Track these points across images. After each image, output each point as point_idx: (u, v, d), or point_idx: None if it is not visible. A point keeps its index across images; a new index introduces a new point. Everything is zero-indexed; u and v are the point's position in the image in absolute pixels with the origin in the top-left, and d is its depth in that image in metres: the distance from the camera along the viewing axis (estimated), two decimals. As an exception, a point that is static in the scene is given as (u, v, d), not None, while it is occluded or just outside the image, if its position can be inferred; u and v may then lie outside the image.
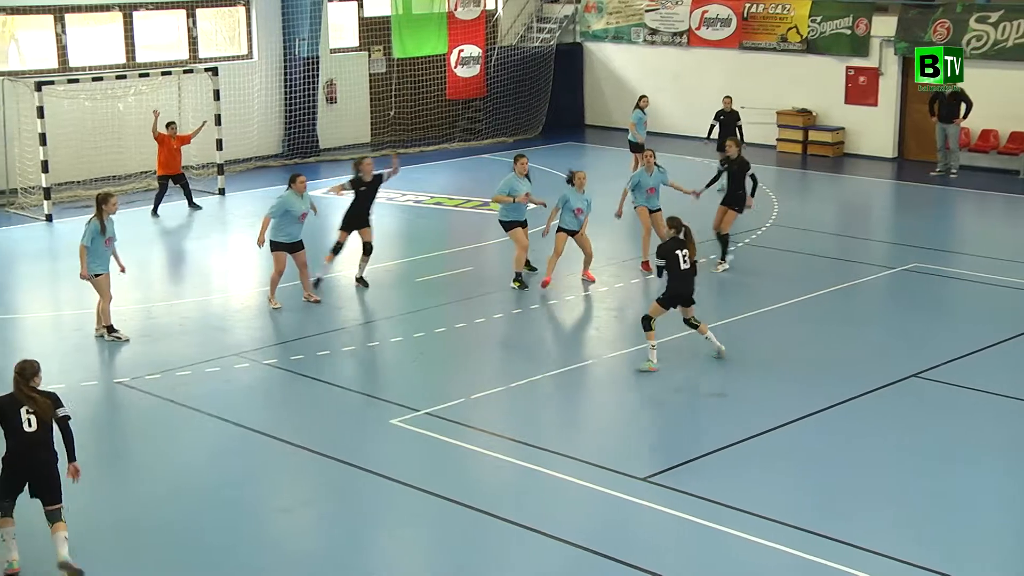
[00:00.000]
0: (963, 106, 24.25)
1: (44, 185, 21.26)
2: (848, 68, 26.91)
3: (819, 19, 27.17)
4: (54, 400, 9.55)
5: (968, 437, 12.03)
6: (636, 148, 23.03)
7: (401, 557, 10.04)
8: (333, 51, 27.62)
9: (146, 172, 24.01)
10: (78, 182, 23.09)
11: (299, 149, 26.82)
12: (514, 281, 16.83)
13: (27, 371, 9.49)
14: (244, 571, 9.56)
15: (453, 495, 10.65)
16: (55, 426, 9.47)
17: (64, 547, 9.37)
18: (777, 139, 27.72)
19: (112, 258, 14.69)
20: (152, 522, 10.34)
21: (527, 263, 17.21)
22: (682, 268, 13.54)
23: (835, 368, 13.85)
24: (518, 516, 10.28)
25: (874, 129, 26.78)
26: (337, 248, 17.26)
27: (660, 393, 13.25)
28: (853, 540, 9.82)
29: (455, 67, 28.95)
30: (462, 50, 28.88)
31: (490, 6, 30.19)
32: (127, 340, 14.63)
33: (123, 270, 14.97)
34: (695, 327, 13.88)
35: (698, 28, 29.00)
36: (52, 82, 21.66)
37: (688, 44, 29.19)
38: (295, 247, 16.00)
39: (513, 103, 29.70)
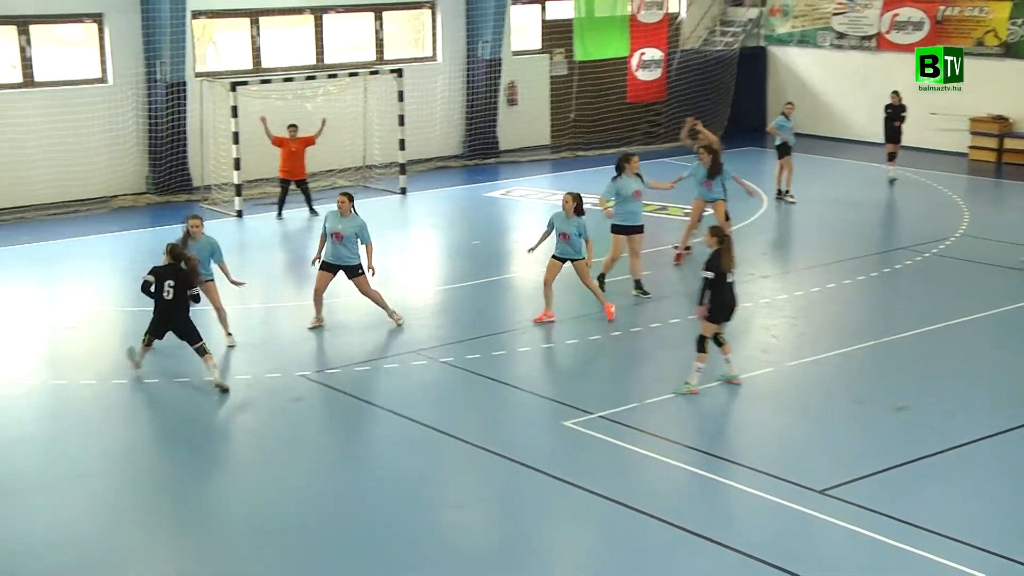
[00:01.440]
0: None
1: (236, 182, 22.03)
2: (1051, 72, 25.78)
3: (1020, 21, 26.08)
4: (190, 276, 13.22)
5: None
6: (780, 152, 22.50)
7: (570, 559, 10.04)
8: (515, 53, 27.85)
9: (331, 171, 24.68)
10: (267, 179, 23.85)
11: (479, 150, 27.13)
12: (635, 289, 16.39)
13: (176, 251, 13.25)
14: (416, 563, 9.69)
15: (624, 499, 10.60)
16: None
17: (214, 372, 13.20)
18: (970, 147, 26.74)
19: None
20: (329, 512, 10.59)
21: (638, 284, 16.47)
22: (727, 280, 12.95)
23: (1027, 385, 13.27)
24: (689, 523, 10.16)
25: (1078, 137, 25.58)
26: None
27: (841, 404, 12.91)
28: (1043, 566, 9.39)
29: (636, 70, 28.85)
30: (643, 53, 28.76)
31: (673, 9, 29.98)
32: (233, 345, 14.68)
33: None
34: (721, 344, 13.22)
35: (888, 31, 28.19)
36: (246, 82, 22.41)
37: (877, 48, 28.40)
38: (349, 272, 15.14)
39: (694, 107, 29.38)
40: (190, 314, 13.39)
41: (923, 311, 15.92)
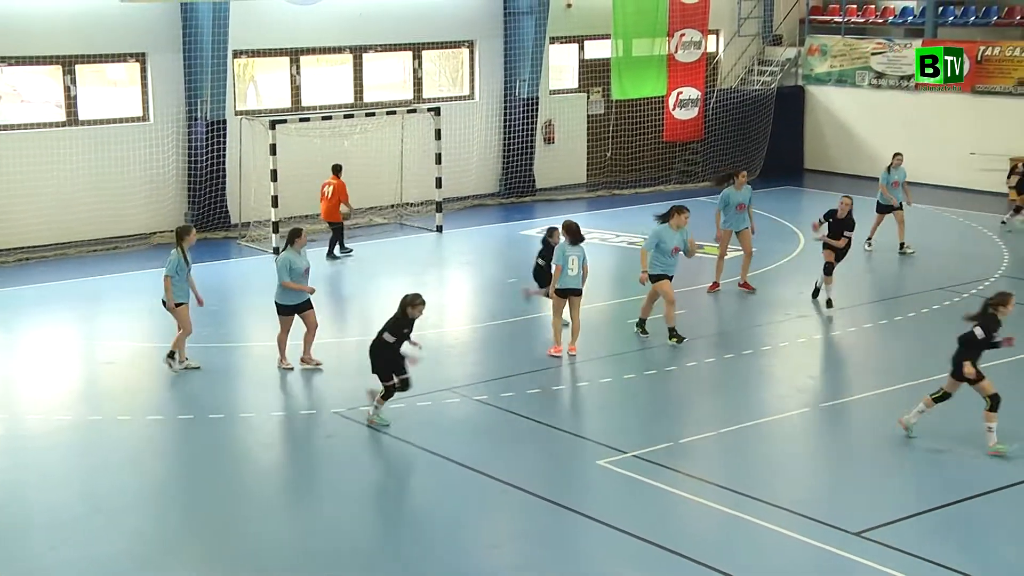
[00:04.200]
0: None
1: (273, 219, 22.18)
2: (1092, 113, 25.55)
3: (1059, 62, 25.93)
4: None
5: None
6: (879, 208, 21.54)
7: (603, 600, 9.97)
8: (552, 92, 27.96)
9: (372, 208, 24.81)
10: (305, 216, 23.98)
11: (515, 188, 27.20)
12: (671, 338, 16.02)
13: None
14: (448, 603, 9.66)
15: (658, 539, 10.52)
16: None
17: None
18: (1010, 187, 26.48)
19: (191, 291, 15.21)
20: (361, 551, 10.58)
21: (642, 324, 16.54)
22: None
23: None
24: (724, 564, 10.07)
25: (1118, 177, 25.25)
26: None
27: (878, 445, 12.78)
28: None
29: (673, 109, 28.88)
30: (681, 92, 28.80)
31: (711, 49, 30.03)
32: (197, 367, 15.11)
33: (200, 303, 15.33)
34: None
35: (927, 71, 28.08)
36: (285, 120, 22.61)
37: (916, 88, 28.30)
38: (302, 307, 15.18)
39: (731, 146, 29.40)
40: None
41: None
